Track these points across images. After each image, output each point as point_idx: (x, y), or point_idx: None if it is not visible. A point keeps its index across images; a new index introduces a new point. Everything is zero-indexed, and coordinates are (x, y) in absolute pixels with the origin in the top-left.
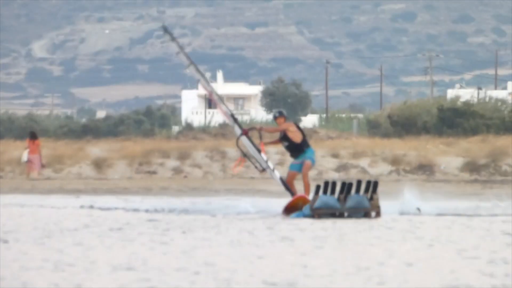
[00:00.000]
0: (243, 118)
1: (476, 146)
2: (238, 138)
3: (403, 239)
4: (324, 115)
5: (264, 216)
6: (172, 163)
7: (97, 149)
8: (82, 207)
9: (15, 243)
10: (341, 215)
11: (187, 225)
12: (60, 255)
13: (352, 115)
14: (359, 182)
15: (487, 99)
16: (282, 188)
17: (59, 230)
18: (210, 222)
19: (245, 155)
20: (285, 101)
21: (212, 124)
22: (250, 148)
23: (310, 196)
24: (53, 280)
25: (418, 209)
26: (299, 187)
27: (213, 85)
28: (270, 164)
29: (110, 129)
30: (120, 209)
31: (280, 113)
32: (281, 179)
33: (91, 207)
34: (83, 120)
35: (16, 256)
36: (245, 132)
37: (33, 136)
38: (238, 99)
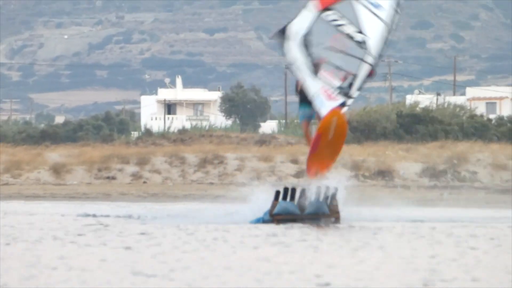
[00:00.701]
0: (202, 124)
1: (435, 152)
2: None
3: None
4: (283, 121)
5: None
6: (131, 168)
7: (55, 154)
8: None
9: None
10: (300, 221)
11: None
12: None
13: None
14: (318, 188)
15: (446, 105)
16: (240, 193)
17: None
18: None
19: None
20: (244, 106)
21: (172, 129)
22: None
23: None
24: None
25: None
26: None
27: (172, 90)
28: None
29: (69, 134)
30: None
31: None
32: None
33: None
34: (42, 125)
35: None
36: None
37: None
38: (197, 105)
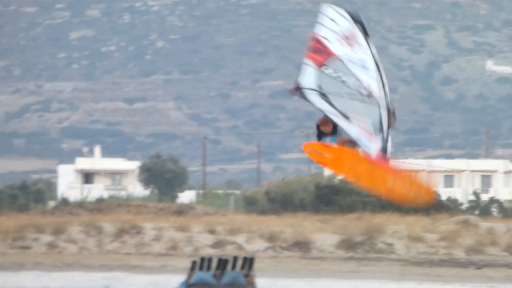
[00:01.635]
0: (120, 193)
1: (352, 224)
2: None
3: None
4: (201, 191)
5: None
6: (46, 238)
7: None
8: None
9: None
10: None
11: None
12: None
13: (229, 191)
14: (235, 259)
15: None
16: (158, 263)
17: None
18: None
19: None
20: (162, 176)
21: (89, 199)
22: None
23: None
24: None
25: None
26: None
27: (90, 160)
28: None
29: None
30: None
31: None
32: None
33: None
34: None
35: None
36: None
37: None
38: (115, 174)
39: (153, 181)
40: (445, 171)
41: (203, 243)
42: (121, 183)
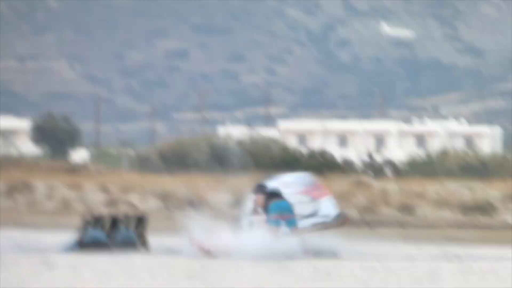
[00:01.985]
0: (11, 152)
1: (245, 183)
2: None
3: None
4: (94, 150)
5: None
6: None
7: None
8: None
9: None
10: (109, 249)
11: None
12: None
13: (122, 150)
14: (127, 217)
15: (257, 137)
16: (50, 222)
17: None
18: None
19: None
20: (54, 135)
21: None
22: None
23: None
24: None
25: None
26: None
27: None
28: None
29: None
30: None
31: None
32: None
33: None
34: None
35: None
36: None
37: None
38: (6, 133)
39: (45, 140)
40: (340, 132)
41: (96, 201)
42: (12, 141)
